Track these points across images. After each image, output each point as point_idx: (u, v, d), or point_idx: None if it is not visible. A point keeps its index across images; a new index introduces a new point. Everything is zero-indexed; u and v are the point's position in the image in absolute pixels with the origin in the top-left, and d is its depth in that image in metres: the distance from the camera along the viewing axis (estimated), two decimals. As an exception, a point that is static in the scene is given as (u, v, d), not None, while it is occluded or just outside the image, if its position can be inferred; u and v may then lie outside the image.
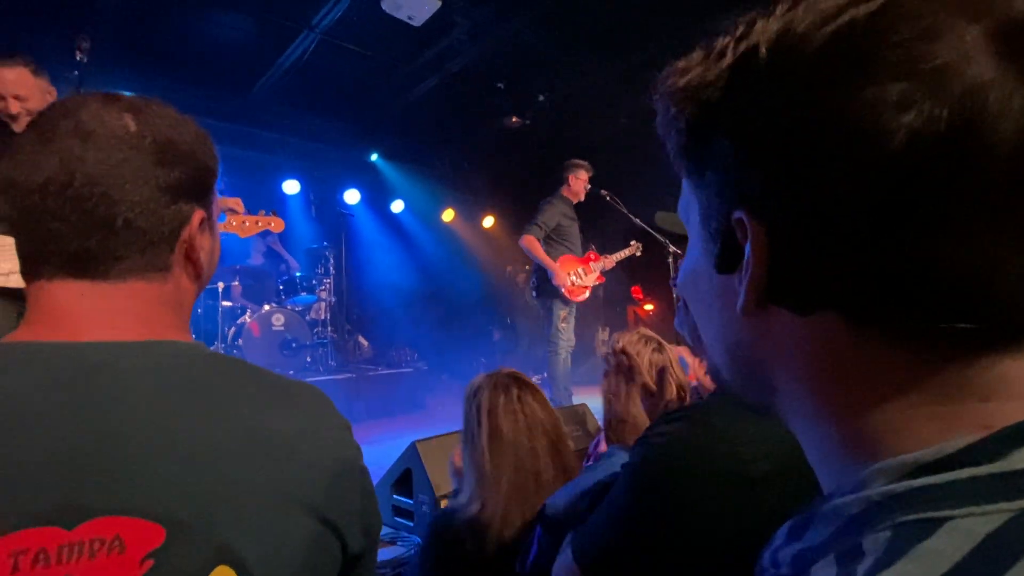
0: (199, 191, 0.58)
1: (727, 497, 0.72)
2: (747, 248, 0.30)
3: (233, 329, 4.64)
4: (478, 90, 5.38)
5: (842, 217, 0.26)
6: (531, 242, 3.82)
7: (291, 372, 4.59)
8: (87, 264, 0.51)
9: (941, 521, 0.23)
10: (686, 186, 0.36)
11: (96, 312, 0.51)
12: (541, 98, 5.59)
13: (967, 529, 0.22)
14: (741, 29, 0.30)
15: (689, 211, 0.36)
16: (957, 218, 0.24)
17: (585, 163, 4.05)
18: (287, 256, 5.59)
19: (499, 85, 5.32)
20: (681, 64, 0.32)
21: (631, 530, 0.79)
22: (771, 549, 0.30)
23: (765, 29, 0.28)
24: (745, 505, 0.71)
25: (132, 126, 0.53)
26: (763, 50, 0.28)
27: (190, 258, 0.58)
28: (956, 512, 0.23)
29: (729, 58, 0.30)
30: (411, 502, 2.05)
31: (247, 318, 4.62)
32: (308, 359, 4.96)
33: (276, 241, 5.54)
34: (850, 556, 0.24)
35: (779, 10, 0.28)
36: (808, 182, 0.27)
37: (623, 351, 1.25)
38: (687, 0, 3.92)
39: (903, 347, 0.27)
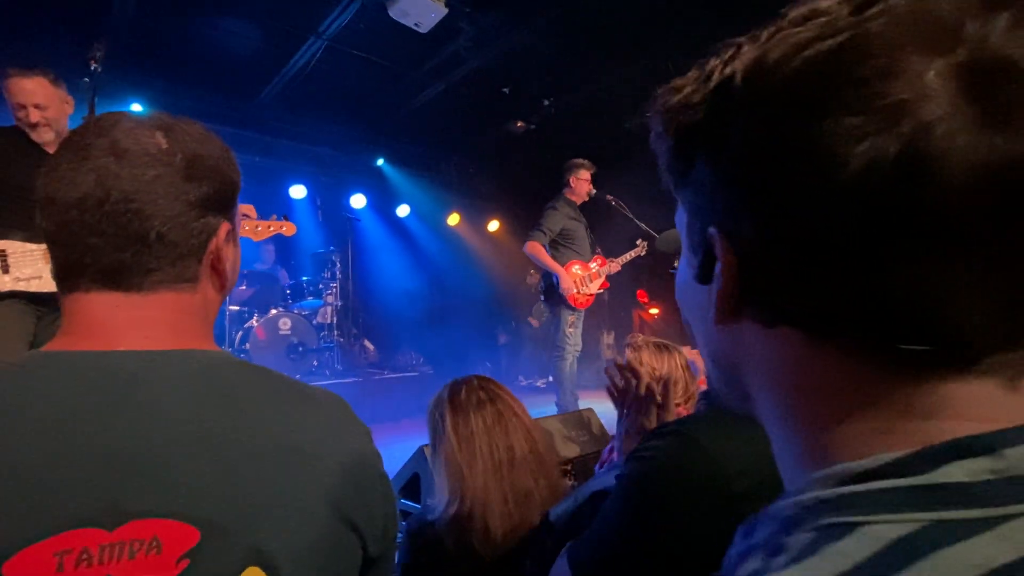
0: (224, 204, 0.60)
1: (711, 511, 0.74)
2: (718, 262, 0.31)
3: (240, 333, 4.67)
4: (484, 95, 5.40)
5: (799, 238, 0.27)
6: (535, 247, 3.76)
7: (297, 376, 4.59)
8: (121, 276, 0.53)
9: (856, 525, 0.25)
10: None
11: (129, 322, 0.53)
12: (546, 103, 5.61)
13: (877, 534, 0.24)
14: (730, 52, 0.31)
15: (681, 224, 0.38)
16: (907, 246, 0.25)
17: (586, 162, 3.97)
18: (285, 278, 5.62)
19: (504, 90, 5.34)
20: (676, 82, 0.34)
21: (621, 542, 0.81)
22: (731, 549, 0.32)
23: (745, 55, 0.30)
24: (728, 519, 0.73)
25: (164, 143, 0.55)
26: (738, 77, 0.29)
27: (216, 269, 0.60)
28: (871, 518, 0.25)
29: (714, 81, 0.31)
30: (418, 507, 2.07)
31: (254, 322, 4.64)
32: (315, 363, 4.99)
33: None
34: (773, 552, 0.26)
35: (764, 35, 0.29)
36: (770, 203, 0.28)
37: (633, 366, 1.26)
38: (692, 6, 3.94)
39: (857, 364, 0.28)
